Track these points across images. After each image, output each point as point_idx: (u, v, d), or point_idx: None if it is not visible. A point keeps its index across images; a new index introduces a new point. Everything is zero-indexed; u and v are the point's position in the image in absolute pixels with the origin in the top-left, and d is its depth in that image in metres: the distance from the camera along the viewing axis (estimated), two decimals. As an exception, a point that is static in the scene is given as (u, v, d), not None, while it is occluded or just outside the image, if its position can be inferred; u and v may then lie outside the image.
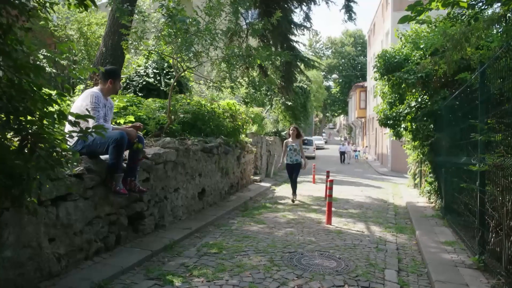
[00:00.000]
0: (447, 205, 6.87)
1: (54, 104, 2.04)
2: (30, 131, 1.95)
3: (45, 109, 1.98)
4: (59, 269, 3.48)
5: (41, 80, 1.92)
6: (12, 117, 1.84)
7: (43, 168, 2.07)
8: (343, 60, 60.30)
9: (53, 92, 2.22)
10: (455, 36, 5.20)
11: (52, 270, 3.39)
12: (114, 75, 4.36)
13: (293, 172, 8.84)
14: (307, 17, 12.57)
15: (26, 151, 1.98)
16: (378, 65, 8.82)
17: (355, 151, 32.11)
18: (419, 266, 4.56)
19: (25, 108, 1.87)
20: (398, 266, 4.46)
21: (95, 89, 4.27)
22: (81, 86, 7.15)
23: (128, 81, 10.56)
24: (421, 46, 8.14)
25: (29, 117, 1.93)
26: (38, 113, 1.94)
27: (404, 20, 4.14)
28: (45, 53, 9.50)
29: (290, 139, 8.97)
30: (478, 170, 4.19)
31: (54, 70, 11.12)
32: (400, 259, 4.78)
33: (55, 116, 1.99)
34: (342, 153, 28.76)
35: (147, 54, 6.76)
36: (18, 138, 2.04)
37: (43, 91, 1.95)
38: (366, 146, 34.46)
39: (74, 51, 12.90)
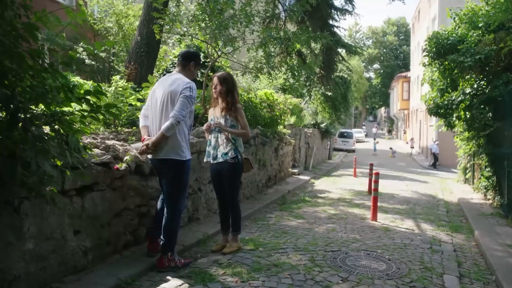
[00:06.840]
0: (510, 203, 6.13)
1: (60, 78, 1.75)
2: (20, 104, 1.66)
3: (42, 79, 1.68)
4: (85, 263, 3.27)
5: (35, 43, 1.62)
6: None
7: (43, 151, 1.77)
8: (384, 50, 58.03)
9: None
10: (527, 7, 4.49)
11: (78, 264, 3.19)
12: (196, 58, 3.79)
13: (221, 182, 4.09)
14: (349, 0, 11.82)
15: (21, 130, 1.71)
16: (429, 48, 8.06)
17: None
18: (484, 272, 3.98)
19: (15, 75, 1.58)
20: (458, 271, 3.90)
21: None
22: (117, 77, 7.04)
23: (165, 72, 10.46)
24: (480, 25, 7.29)
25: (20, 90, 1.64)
26: (30, 84, 1.65)
27: None
28: (84, 46, 9.57)
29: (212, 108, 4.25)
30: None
31: (93, 63, 11.22)
32: (460, 263, 4.21)
33: (59, 91, 1.69)
34: (436, 156, 20.60)
35: (180, 38, 6.49)
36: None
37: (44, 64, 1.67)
38: (412, 138, 31.51)
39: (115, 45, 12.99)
